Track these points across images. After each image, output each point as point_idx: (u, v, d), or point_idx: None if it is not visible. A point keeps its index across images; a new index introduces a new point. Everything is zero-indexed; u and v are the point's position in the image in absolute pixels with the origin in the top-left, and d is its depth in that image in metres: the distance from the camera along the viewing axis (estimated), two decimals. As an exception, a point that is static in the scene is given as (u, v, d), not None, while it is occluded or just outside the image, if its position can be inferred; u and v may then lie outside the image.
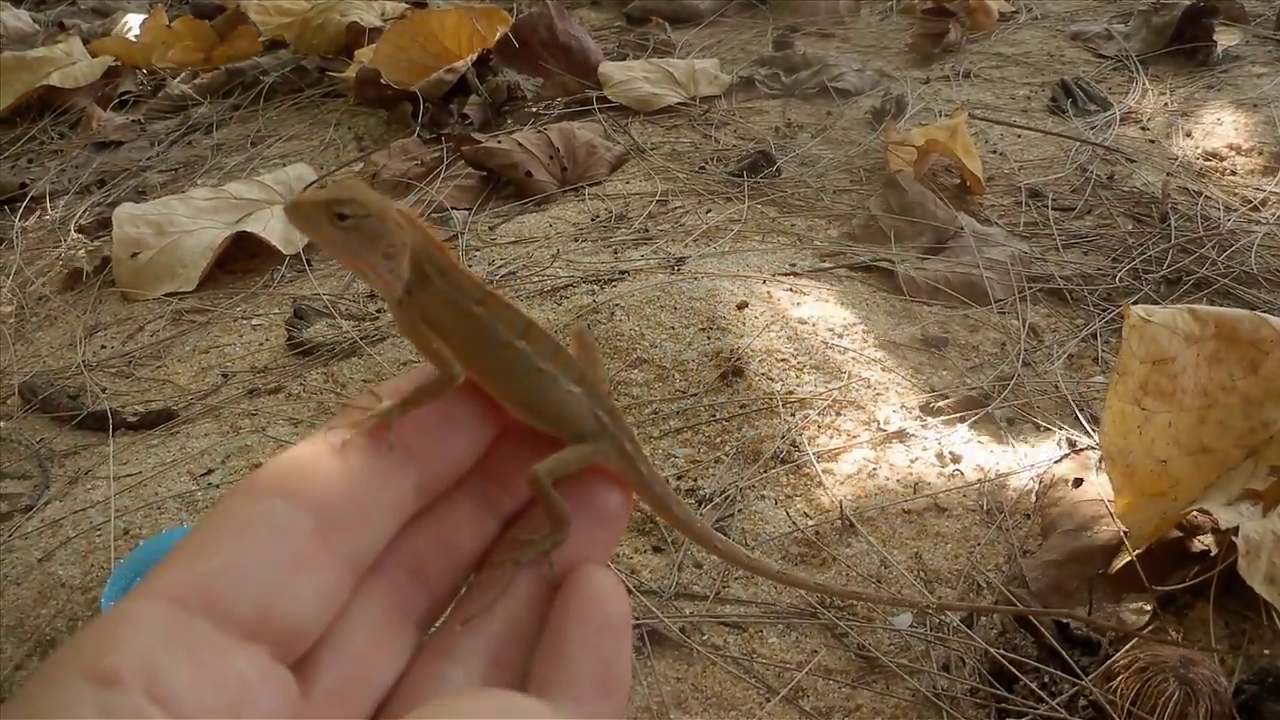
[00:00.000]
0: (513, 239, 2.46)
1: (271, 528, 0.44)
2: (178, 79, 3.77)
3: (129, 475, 1.92)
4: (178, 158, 3.36)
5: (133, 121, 3.59)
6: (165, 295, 2.54)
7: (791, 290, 2.13)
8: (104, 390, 2.21)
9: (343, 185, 0.57)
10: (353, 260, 0.57)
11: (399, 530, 0.49)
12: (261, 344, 2.23)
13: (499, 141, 2.69)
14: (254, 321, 2.32)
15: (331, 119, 3.32)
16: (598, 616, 0.49)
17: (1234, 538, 1.41)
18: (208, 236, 2.58)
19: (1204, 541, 1.54)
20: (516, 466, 0.55)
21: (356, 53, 3.41)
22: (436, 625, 0.51)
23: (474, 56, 3.10)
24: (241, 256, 2.56)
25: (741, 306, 2.05)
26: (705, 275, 2.16)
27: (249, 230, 2.51)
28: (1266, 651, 1.39)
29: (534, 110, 3.06)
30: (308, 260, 2.51)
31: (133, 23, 4.15)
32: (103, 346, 2.41)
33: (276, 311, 2.34)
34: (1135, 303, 2.10)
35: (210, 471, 1.85)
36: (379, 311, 2.23)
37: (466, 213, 2.58)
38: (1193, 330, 1.60)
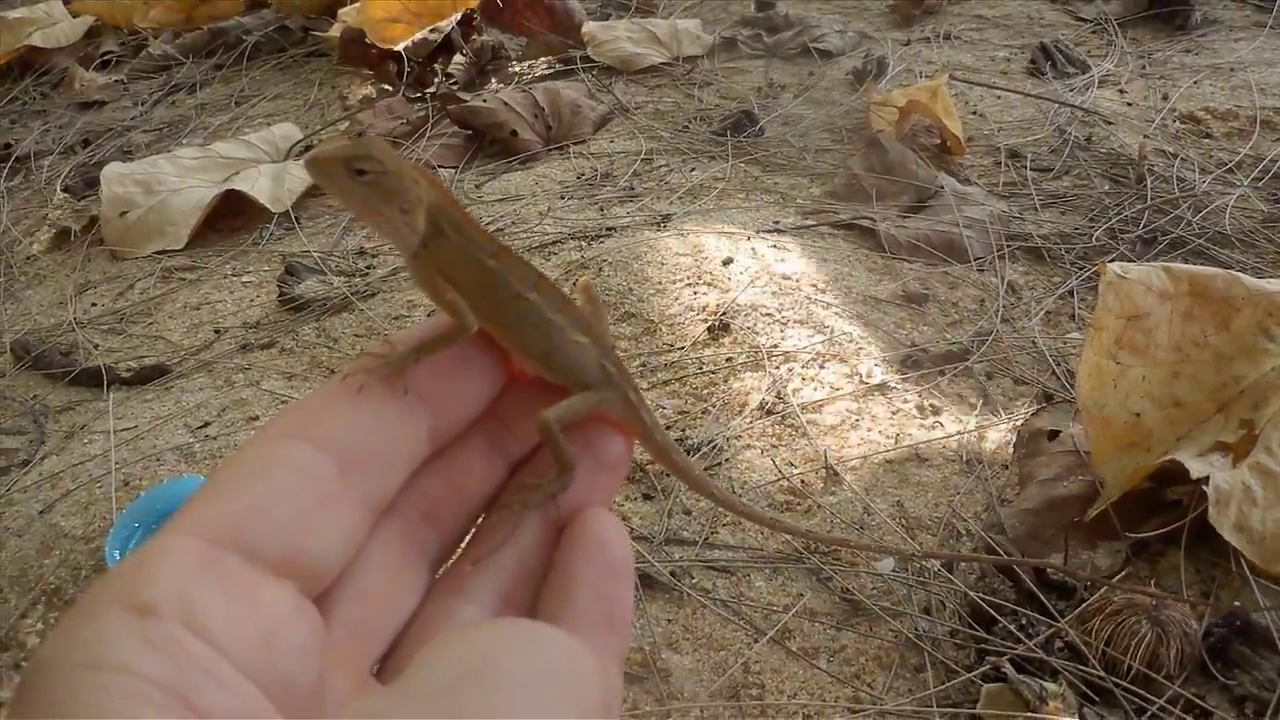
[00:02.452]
0: (499, 197, 2.47)
1: (296, 469, 0.45)
2: (159, 39, 3.74)
3: (126, 429, 1.94)
4: (162, 117, 3.34)
5: (115, 81, 3.57)
6: (154, 253, 2.54)
7: (775, 247, 2.16)
8: (96, 347, 2.22)
9: (361, 142, 0.58)
10: (370, 214, 0.58)
11: (413, 473, 0.51)
12: (253, 300, 2.23)
13: (484, 100, 2.69)
14: (244, 278, 2.32)
15: (315, 78, 3.31)
16: (602, 558, 0.51)
17: (1204, 487, 1.44)
18: (196, 195, 2.58)
19: (1176, 491, 1.57)
20: (524, 413, 0.57)
21: (340, 12, 3.39)
22: (447, 565, 0.52)
23: (458, 16, 3.08)
24: (229, 214, 2.56)
25: (727, 262, 2.07)
26: (691, 232, 2.18)
27: (237, 189, 2.51)
28: (1237, 603, 1.43)
29: (517, 70, 3.05)
30: (296, 218, 2.52)
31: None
32: (93, 304, 2.41)
33: (267, 269, 2.35)
34: (1111, 261, 2.14)
35: (207, 425, 1.86)
36: (369, 268, 2.25)
37: (453, 171, 2.59)
38: (1167, 287, 1.63)
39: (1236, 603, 1.39)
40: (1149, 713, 1.28)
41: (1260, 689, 1.31)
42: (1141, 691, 1.29)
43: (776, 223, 2.28)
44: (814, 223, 2.30)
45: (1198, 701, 1.29)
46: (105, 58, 3.72)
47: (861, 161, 2.43)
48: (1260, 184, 2.41)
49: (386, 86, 3.06)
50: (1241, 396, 1.59)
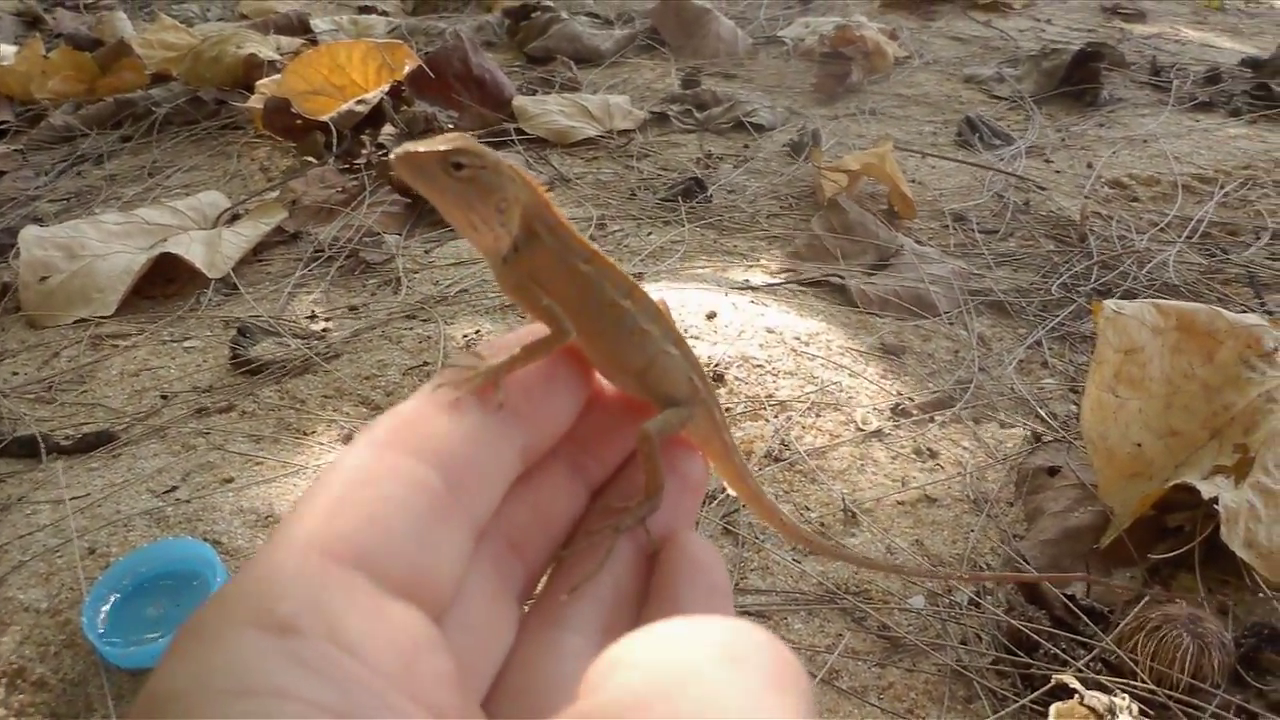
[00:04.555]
0: (452, 261, 2.50)
1: (407, 482, 0.43)
2: (60, 109, 3.68)
3: (77, 497, 1.87)
4: (68, 187, 3.27)
5: (14, 151, 3.48)
6: (77, 321, 2.47)
7: (754, 303, 2.23)
8: (24, 417, 2.15)
9: (453, 137, 0.56)
10: (465, 213, 0.56)
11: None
12: (200, 365, 2.20)
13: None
14: (187, 344, 2.29)
15: (232, 150, 3.30)
16: (705, 581, 0.50)
17: (1216, 507, 1.54)
18: (123, 261, 2.53)
19: (1176, 518, 1.67)
20: (603, 434, 0.56)
21: (257, 84, 3.40)
22: (536, 594, 0.51)
23: (385, 88, 3.13)
24: (159, 281, 2.52)
25: (711, 316, 2.14)
26: (669, 288, 2.24)
27: (174, 253, 2.47)
28: (1254, 614, 1.53)
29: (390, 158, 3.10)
30: (235, 282, 2.49)
31: (5, 52, 4.02)
32: (14, 373, 2.33)
33: (210, 333, 2.31)
34: (1071, 314, 2.28)
35: (173, 489, 1.82)
36: (324, 330, 2.24)
37: (398, 237, 2.60)
38: (1158, 322, 1.76)
39: (1253, 614, 1.48)
40: (1202, 720, 1.35)
41: (1295, 694, 1.40)
42: (1193, 700, 1.36)
43: (747, 281, 2.36)
44: (783, 281, 2.39)
45: (1245, 706, 1.37)
46: (1, 127, 3.63)
47: (822, 222, 2.54)
48: (1194, 240, 2.60)
49: (310, 158, 3.07)
50: (1233, 423, 1.71)
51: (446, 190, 0.55)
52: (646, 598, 0.51)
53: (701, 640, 0.35)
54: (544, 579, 0.52)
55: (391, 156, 0.57)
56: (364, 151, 3.05)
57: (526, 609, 0.50)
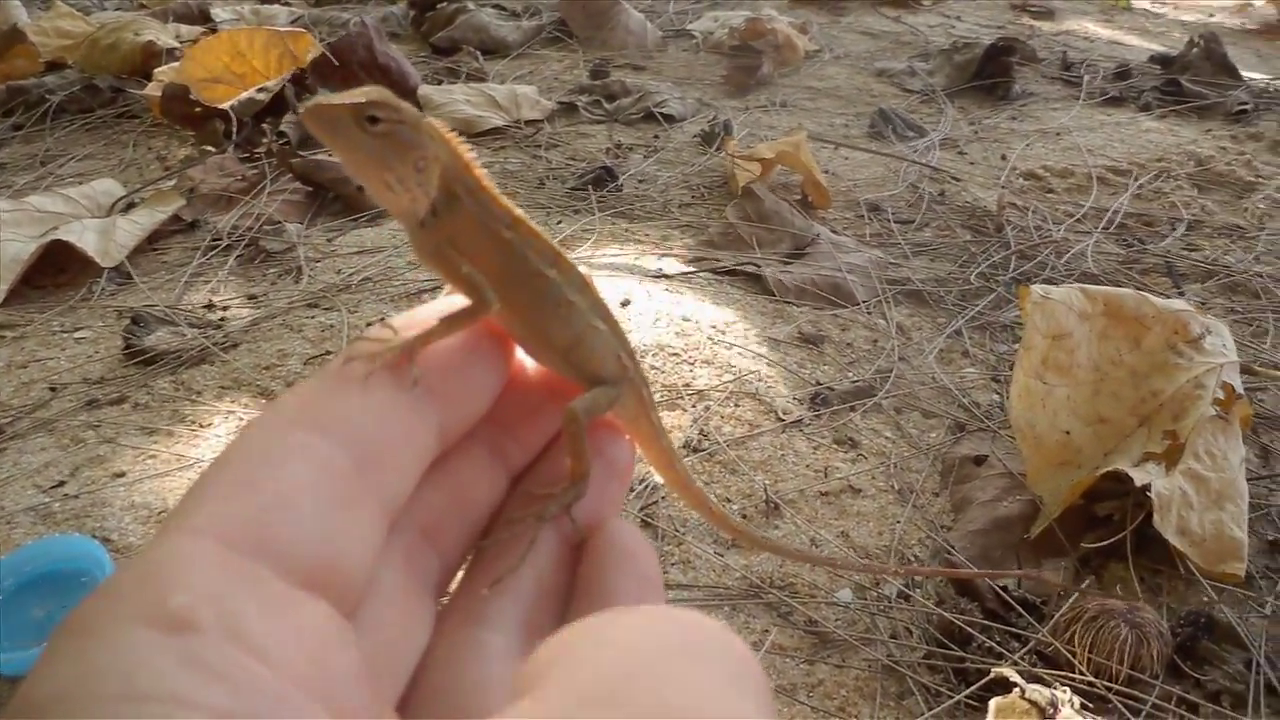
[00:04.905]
0: (356, 249, 2.40)
1: (313, 463, 0.39)
2: (-53, 97, 3.48)
3: (-46, 494, 1.74)
4: (-48, 176, 3.09)
5: (-107, 138, 3.28)
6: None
7: (669, 291, 2.17)
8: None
9: (369, 89, 0.51)
10: (379, 171, 0.51)
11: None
12: (90, 356, 2.06)
13: (329, 155, 2.61)
14: (77, 334, 2.15)
15: (128, 139, 3.15)
16: (637, 572, 0.47)
17: (1148, 494, 1.51)
18: (12, 249, 2.38)
19: (1105, 507, 1.64)
20: (525, 415, 0.52)
21: (155, 72, 3.26)
22: (450, 591, 0.47)
23: (287, 76, 3.01)
24: (50, 270, 2.37)
25: (625, 304, 2.06)
26: (580, 276, 2.16)
27: (66, 240, 2.33)
28: (1187, 603, 1.49)
29: (298, 116, 3.00)
30: (130, 271, 2.36)
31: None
32: (-108, 367, 2.17)
33: (102, 324, 2.18)
34: (990, 303, 2.25)
35: (61, 484, 1.69)
36: (222, 319, 2.12)
37: (299, 226, 2.49)
38: (1086, 308, 1.72)
39: (1186, 605, 1.45)
40: (1143, 712, 1.30)
41: (1233, 681, 1.36)
42: (1132, 691, 1.32)
43: (661, 269, 2.29)
44: (697, 269, 2.32)
45: (1185, 697, 1.33)
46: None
47: (737, 211, 2.48)
48: (1110, 231, 2.60)
49: (209, 147, 2.93)
50: (1161, 410, 1.68)
51: (359, 146, 0.50)
52: (573, 591, 0.47)
53: (655, 633, 0.32)
54: (461, 571, 0.48)
55: (300, 110, 0.51)
56: (264, 140, 2.93)
57: (443, 603, 0.46)
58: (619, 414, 0.55)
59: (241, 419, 1.83)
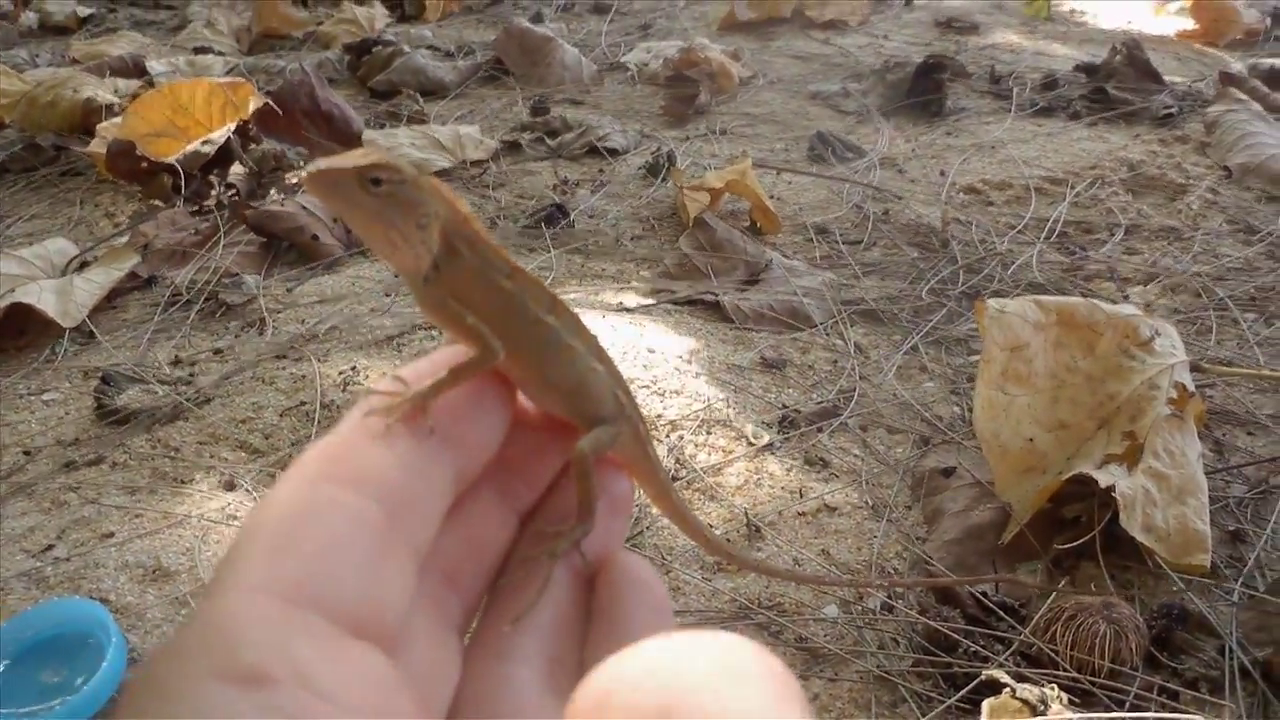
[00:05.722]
0: (317, 299, 2.43)
1: (349, 516, 0.41)
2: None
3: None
4: (-111, 241, 3.08)
5: None
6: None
7: (632, 324, 2.23)
8: None
9: (366, 151, 0.54)
10: (383, 230, 0.54)
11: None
12: (61, 418, 2.08)
13: (283, 205, 2.65)
14: (45, 396, 2.16)
15: (75, 197, 3.16)
16: (649, 600, 0.49)
17: (1113, 495, 1.59)
18: (-31, 313, 2.39)
19: (1072, 509, 1.72)
20: (530, 456, 0.55)
21: (98, 128, 3.27)
22: (471, 629, 0.50)
23: (231, 127, 3.05)
24: (10, 333, 2.38)
25: (591, 340, 2.12)
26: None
27: (25, 302, 2.34)
28: (1158, 596, 1.58)
29: (295, 181, 3.03)
30: (92, 330, 2.38)
31: None
32: None
33: (69, 384, 2.20)
34: (943, 318, 2.34)
35: (50, 547, 1.72)
36: (191, 375, 2.15)
37: (257, 277, 2.52)
38: (1039, 318, 1.81)
39: (1174, 591, 1.53)
40: (1126, 703, 1.38)
41: (1208, 668, 1.45)
42: (1115, 684, 1.40)
43: (621, 303, 2.36)
44: (657, 301, 2.39)
45: (1166, 686, 1.41)
46: None
47: (690, 241, 2.56)
48: (1052, 240, 2.71)
49: (157, 201, 2.96)
50: (1119, 412, 1.77)
51: (364, 208, 0.53)
52: (589, 621, 0.50)
53: (701, 656, 0.33)
54: (480, 610, 0.50)
55: (303, 174, 0.54)
56: (213, 192, 2.96)
57: (466, 642, 0.49)
58: (617, 450, 0.58)
59: (224, 473, 1.86)
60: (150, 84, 3.71)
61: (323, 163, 0.53)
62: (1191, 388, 1.75)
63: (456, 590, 0.49)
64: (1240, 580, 1.59)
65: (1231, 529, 1.71)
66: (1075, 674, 1.41)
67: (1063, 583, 1.60)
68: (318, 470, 0.43)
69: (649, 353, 2.13)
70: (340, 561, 0.39)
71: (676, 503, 0.69)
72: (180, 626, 0.49)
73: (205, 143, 3.02)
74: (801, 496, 1.81)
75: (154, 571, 1.64)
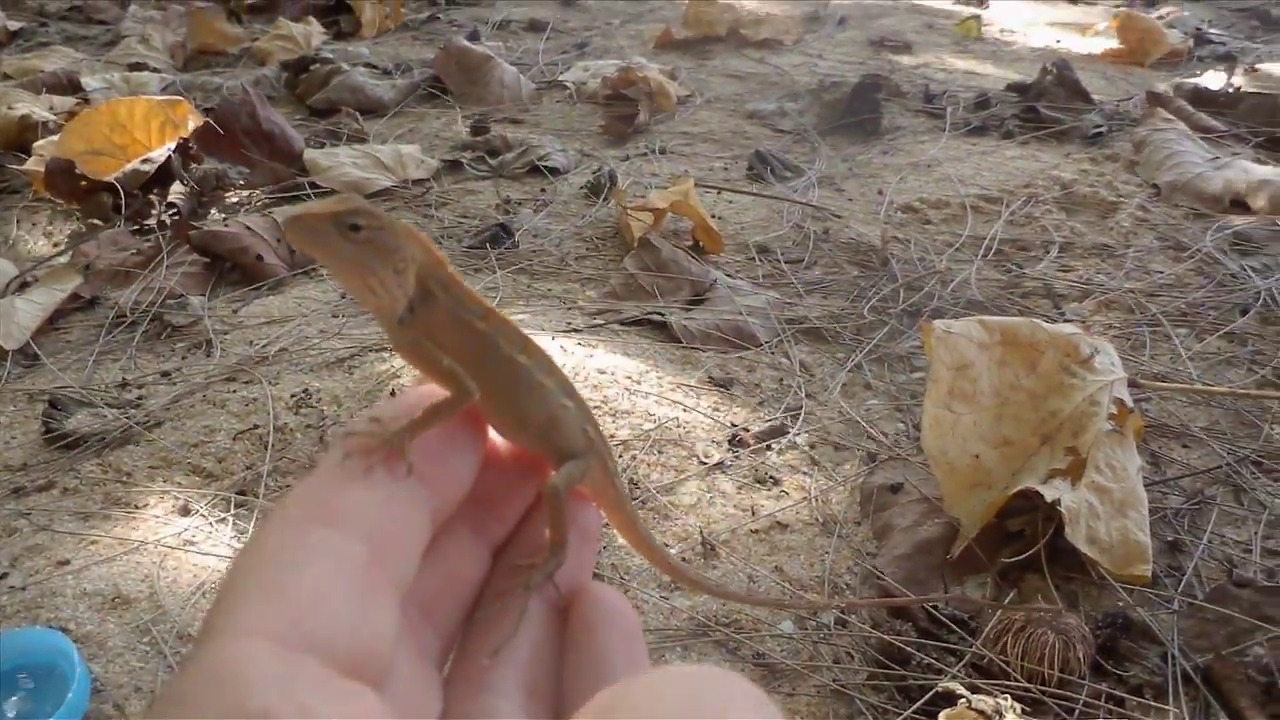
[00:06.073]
0: (264, 320, 2.43)
1: (336, 558, 0.42)
2: None
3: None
4: None
5: None
6: None
7: (581, 345, 2.26)
8: None
9: (344, 197, 0.55)
10: (361, 276, 0.55)
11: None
12: (8, 442, 2.06)
13: (227, 225, 2.65)
14: (-13, 422, 2.15)
15: (11, 216, 3.12)
16: (623, 629, 0.51)
17: (1058, 508, 1.65)
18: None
19: (1016, 523, 1.78)
20: (501, 491, 0.56)
21: (34, 146, 3.24)
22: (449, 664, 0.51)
23: (171, 146, 3.03)
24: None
25: (541, 362, 2.15)
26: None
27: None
28: (1102, 605, 1.64)
29: (237, 200, 3.03)
30: (36, 352, 2.36)
31: None
32: None
33: (14, 408, 2.18)
34: (885, 336, 2.40)
35: (4, 576, 1.70)
36: (140, 398, 2.14)
37: (202, 298, 2.52)
38: (984, 338, 1.87)
39: (1118, 601, 1.60)
40: (1076, 710, 1.44)
41: (1152, 675, 1.51)
42: (1064, 693, 1.45)
43: (568, 323, 2.39)
44: (604, 321, 2.42)
45: (1112, 693, 1.47)
46: None
47: (636, 261, 2.60)
48: (989, 258, 2.78)
49: (96, 220, 2.93)
50: (1061, 428, 1.83)
51: (342, 254, 0.54)
52: (564, 652, 0.52)
53: (684, 691, 0.35)
54: (456, 644, 0.52)
55: (281, 220, 0.57)
56: (154, 212, 2.94)
57: (444, 675, 0.50)
58: (586, 483, 0.60)
59: (178, 498, 1.86)
60: (86, 101, 3.68)
61: (300, 208, 0.54)
62: (1130, 403, 1.82)
63: (434, 625, 0.51)
64: (1180, 589, 1.66)
65: (1170, 539, 1.78)
66: (1026, 684, 1.46)
67: (1011, 596, 1.65)
68: (303, 513, 0.44)
69: (599, 373, 2.16)
70: (332, 604, 0.40)
71: (642, 532, 0.71)
72: (177, 672, 0.50)
73: (145, 161, 3.01)
74: (754, 514, 1.85)
75: (113, 599, 1.64)
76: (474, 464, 0.53)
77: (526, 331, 0.61)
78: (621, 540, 1.76)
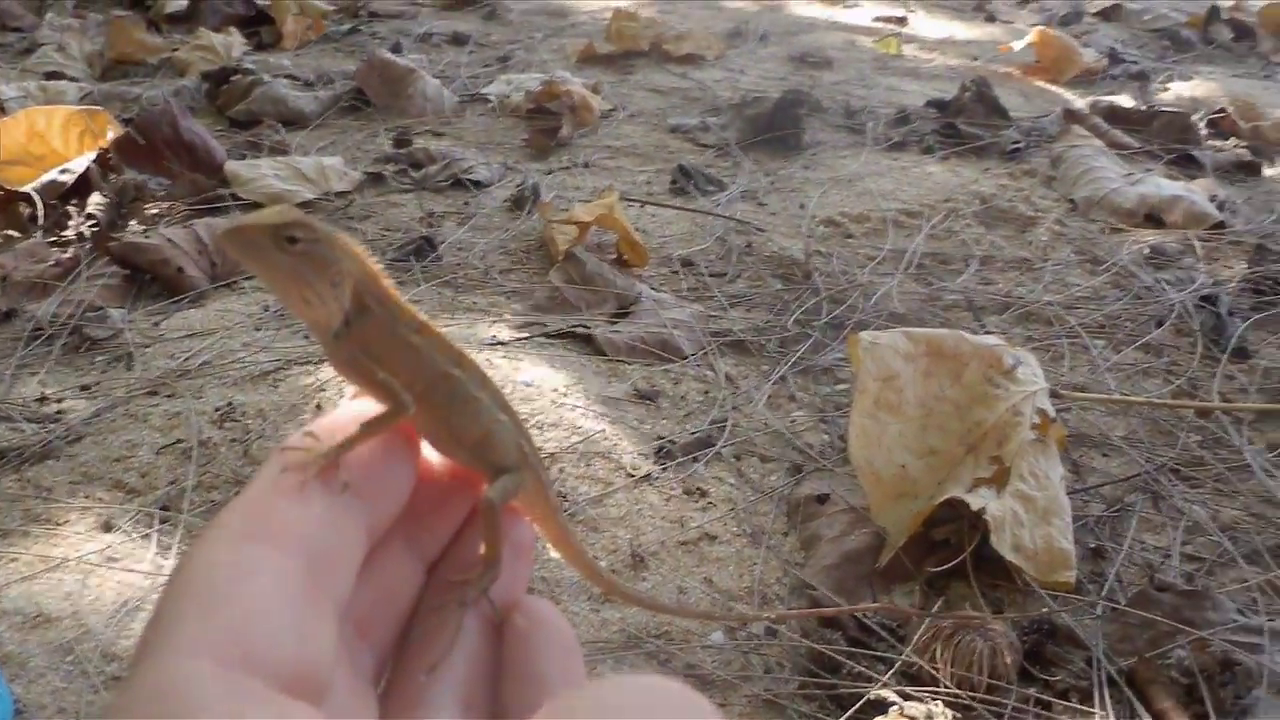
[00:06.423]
0: (186, 333, 2.39)
1: (273, 573, 0.43)
2: None
3: None
4: None
5: None
6: None
7: (507, 358, 2.26)
8: None
9: (281, 210, 0.56)
10: (297, 288, 0.55)
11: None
12: (-82, 459, 2.01)
13: (148, 237, 2.61)
14: (-108, 439, 2.08)
15: (-78, 227, 3.04)
16: (559, 643, 0.52)
17: (984, 516, 1.69)
18: None
19: (942, 531, 1.81)
20: (434, 505, 0.57)
21: (-57, 156, 3.17)
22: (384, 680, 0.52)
23: (91, 156, 2.98)
24: None
25: (466, 375, 2.14)
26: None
27: None
28: (1027, 612, 1.67)
29: (156, 211, 2.98)
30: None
31: None
32: None
33: (-80, 426, 2.12)
34: (809, 349, 2.42)
35: (-74, 598, 1.66)
36: (59, 413, 2.09)
37: (122, 311, 2.47)
38: (909, 349, 1.90)
39: (1043, 607, 1.63)
40: (1005, 715, 1.46)
41: (1077, 679, 1.55)
42: (993, 698, 1.48)
43: (495, 336, 2.38)
44: (530, 334, 2.42)
45: (1040, 697, 1.50)
46: None
47: (561, 274, 2.60)
48: (911, 271, 2.83)
49: (12, 231, 2.87)
50: (985, 438, 1.86)
51: (279, 266, 0.54)
52: (501, 667, 0.52)
53: (631, 702, 0.36)
54: (391, 660, 0.52)
55: (217, 231, 0.57)
56: (72, 222, 2.88)
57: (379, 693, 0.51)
58: (520, 497, 0.61)
59: (100, 515, 1.82)
60: (1, 110, 3.60)
61: (238, 220, 0.55)
62: (1052, 413, 1.86)
63: (369, 641, 0.51)
64: (1103, 594, 1.69)
65: (1092, 546, 1.82)
66: (956, 690, 1.48)
67: (938, 605, 1.68)
68: (239, 529, 0.44)
69: (526, 386, 2.16)
70: (272, 622, 0.40)
71: (575, 546, 0.72)
72: (117, 691, 0.50)
73: (64, 171, 2.96)
74: (682, 526, 1.86)
75: (34, 618, 1.59)
76: (409, 479, 0.54)
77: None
78: (553, 553, 1.77)
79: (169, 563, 1.72)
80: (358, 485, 0.50)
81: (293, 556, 0.44)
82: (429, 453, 0.59)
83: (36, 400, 2.14)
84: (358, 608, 0.49)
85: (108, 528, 1.80)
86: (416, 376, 0.58)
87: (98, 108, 3.34)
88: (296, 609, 0.42)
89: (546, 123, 3.82)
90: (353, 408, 0.56)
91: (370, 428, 0.53)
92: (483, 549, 0.56)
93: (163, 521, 1.82)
